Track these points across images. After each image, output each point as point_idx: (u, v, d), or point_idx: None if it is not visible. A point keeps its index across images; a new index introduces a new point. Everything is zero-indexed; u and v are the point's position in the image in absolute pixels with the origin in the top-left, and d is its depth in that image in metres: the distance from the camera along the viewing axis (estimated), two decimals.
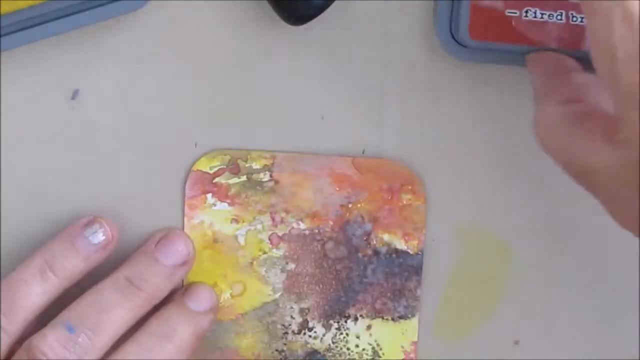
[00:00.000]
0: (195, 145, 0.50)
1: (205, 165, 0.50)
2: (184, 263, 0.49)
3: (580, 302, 0.52)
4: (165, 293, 0.49)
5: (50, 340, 0.46)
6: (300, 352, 0.52)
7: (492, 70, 0.49)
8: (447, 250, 0.51)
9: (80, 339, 0.46)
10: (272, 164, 0.50)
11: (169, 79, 0.50)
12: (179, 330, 0.48)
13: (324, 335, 0.52)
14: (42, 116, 0.50)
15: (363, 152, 0.50)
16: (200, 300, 0.50)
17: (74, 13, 0.47)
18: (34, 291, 0.47)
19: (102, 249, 0.48)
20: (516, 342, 0.52)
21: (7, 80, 0.49)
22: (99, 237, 0.48)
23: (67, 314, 0.47)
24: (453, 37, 0.47)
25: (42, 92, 0.49)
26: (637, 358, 0.52)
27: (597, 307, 0.52)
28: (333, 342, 0.52)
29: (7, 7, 0.46)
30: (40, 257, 0.48)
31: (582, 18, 0.46)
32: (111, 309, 0.47)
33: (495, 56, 0.48)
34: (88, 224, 0.48)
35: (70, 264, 0.48)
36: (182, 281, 0.51)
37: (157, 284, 0.48)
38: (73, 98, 0.50)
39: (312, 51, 0.49)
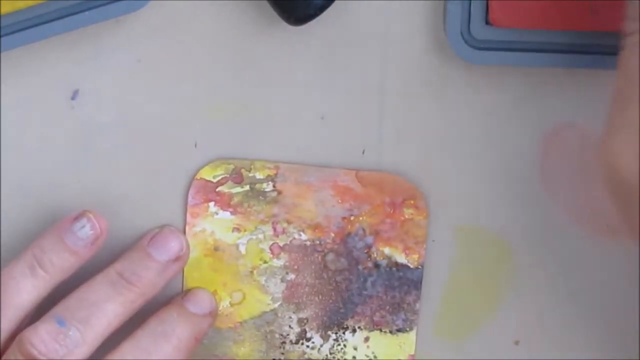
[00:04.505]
0: (195, 145, 0.50)
1: (209, 174, 0.50)
2: (177, 259, 0.49)
3: (580, 302, 0.52)
4: (158, 289, 0.49)
5: (42, 333, 0.46)
6: None
7: (495, 73, 0.49)
8: (447, 250, 0.51)
9: (71, 332, 0.46)
10: (276, 174, 0.50)
11: (169, 79, 0.50)
12: (177, 330, 0.48)
13: (321, 345, 0.52)
14: (42, 116, 0.50)
15: (363, 152, 0.50)
16: (199, 303, 0.50)
17: (74, 13, 0.47)
18: (23, 288, 0.47)
19: (91, 243, 0.48)
20: (516, 342, 0.52)
21: (7, 80, 0.49)
22: (87, 231, 0.48)
23: (58, 308, 0.47)
24: (463, 38, 0.47)
25: (42, 92, 0.49)
26: (637, 358, 0.52)
27: (596, 307, 0.52)
28: (331, 353, 0.52)
29: (7, 7, 0.46)
30: (30, 253, 0.48)
31: None
32: (102, 303, 0.47)
33: (509, 56, 0.48)
34: (76, 219, 0.48)
35: (60, 259, 0.48)
36: (182, 287, 0.51)
37: (148, 279, 0.48)
38: (73, 98, 0.50)
39: (312, 51, 0.49)
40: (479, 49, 0.48)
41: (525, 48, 0.48)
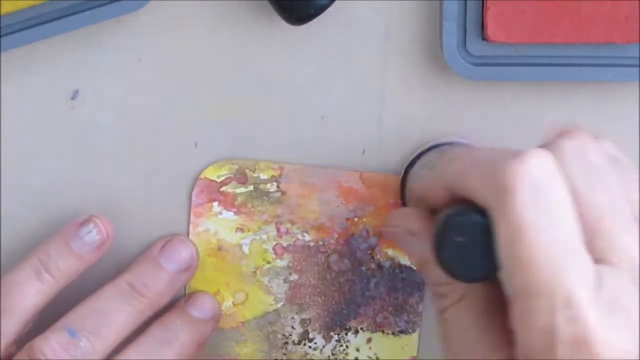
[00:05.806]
0: (195, 144, 0.50)
1: (213, 174, 0.50)
2: (187, 269, 0.49)
3: None
4: (167, 298, 0.49)
5: (52, 343, 0.46)
6: None
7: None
8: None
9: (81, 343, 0.46)
10: (280, 175, 0.50)
11: (169, 79, 0.50)
12: (180, 336, 0.49)
13: (324, 346, 0.52)
14: (42, 116, 0.50)
15: (363, 152, 0.50)
16: (202, 308, 0.50)
17: (74, 13, 0.47)
18: (29, 292, 0.47)
19: (96, 248, 0.48)
20: None
21: (7, 80, 0.49)
22: (94, 236, 0.48)
23: (69, 318, 0.47)
24: (460, 54, 0.48)
25: (42, 92, 0.49)
26: (637, 358, 0.52)
27: None
28: (333, 354, 0.52)
29: (7, 7, 0.46)
30: (36, 258, 0.48)
31: None
32: (112, 313, 0.47)
33: (506, 71, 0.48)
34: (83, 224, 0.48)
35: (65, 264, 0.48)
36: (185, 289, 0.51)
37: (158, 289, 0.48)
38: (73, 98, 0.50)
39: (312, 51, 0.49)
40: (476, 64, 0.48)
41: (522, 62, 0.48)
